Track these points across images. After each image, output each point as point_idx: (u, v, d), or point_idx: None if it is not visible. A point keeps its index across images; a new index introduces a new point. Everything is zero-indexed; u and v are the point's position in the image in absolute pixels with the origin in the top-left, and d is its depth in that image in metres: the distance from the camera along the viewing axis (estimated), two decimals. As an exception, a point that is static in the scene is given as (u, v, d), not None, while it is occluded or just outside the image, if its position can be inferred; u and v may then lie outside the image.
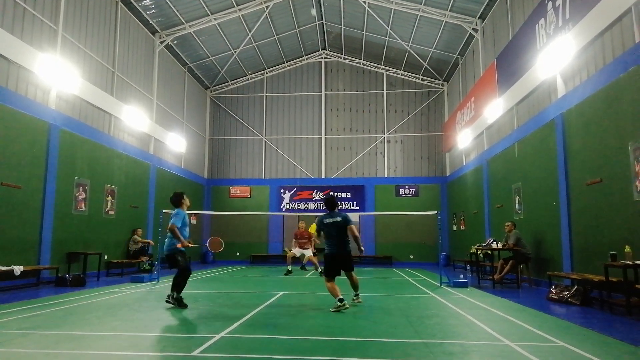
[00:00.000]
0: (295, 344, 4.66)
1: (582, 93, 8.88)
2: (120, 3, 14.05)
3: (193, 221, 19.78)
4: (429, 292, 9.45)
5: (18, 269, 9.04)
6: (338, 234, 7.12)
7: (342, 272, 7.23)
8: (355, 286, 7.47)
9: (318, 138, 21.82)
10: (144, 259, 14.03)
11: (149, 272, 12.81)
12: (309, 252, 13.79)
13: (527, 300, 8.26)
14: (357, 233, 7.24)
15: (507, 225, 11.01)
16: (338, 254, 7.12)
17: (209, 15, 16.57)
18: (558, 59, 9.54)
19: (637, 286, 6.64)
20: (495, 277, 10.54)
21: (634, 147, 7.16)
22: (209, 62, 19.87)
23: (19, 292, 8.92)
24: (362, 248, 7.39)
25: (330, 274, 7.05)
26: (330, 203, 7.34)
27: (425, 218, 18.61)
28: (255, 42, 19.41)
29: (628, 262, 6.55)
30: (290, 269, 13.46)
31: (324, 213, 7.43)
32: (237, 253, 20.83)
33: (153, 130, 16.14)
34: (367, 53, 21.05)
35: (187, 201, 7.41)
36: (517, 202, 12.08)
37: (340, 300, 6.67)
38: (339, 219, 7.15)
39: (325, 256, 7.22)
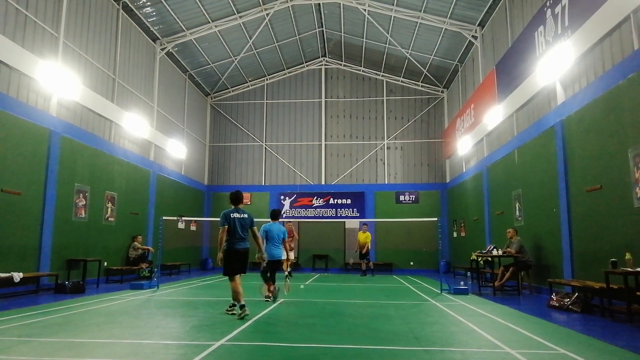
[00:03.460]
0: (295, 352, 4.64)
1: (582, 100, 8.90)
2: (121, 10, 14.12)
3: (193, 228, 19.79)
4: (429, 299, 9.43)
5: (17, 276, 9.02)
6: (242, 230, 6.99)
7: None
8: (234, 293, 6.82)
9: (318, 145, 21.84)
10: (144, 265, 13.99)
11: (148, 279, 12.78)
12: None
13: (528, 307, 8.24)
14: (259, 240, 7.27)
15: (509, 232, 11.00)
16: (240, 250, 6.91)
17: (209, 22, 16.66)
18: (557, 66, 9.58)
19: (638, 293, 6.62)
20: (496, 284, 10.51)
21: (633, 154, 7.17)
22: (209, 69, 19.94)
23: (18, 299, 8.90)
24: (262, 255, 7.29)
25: (229, 271, 6.88)
26: (235, 199, 7.10)
27: (425, 225, 18.54)
28: (255, 49, 19.49)
29: (629, 269, 6.55)
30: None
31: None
32: (237, 260, 20.74)
33: (153, 136, 16.17)
34: (367, 60, 21.12)
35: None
36: (517, 208, 12.07)
37: (241, 307, 6.61)
38: (245, 215, 7.03)
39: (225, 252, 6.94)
